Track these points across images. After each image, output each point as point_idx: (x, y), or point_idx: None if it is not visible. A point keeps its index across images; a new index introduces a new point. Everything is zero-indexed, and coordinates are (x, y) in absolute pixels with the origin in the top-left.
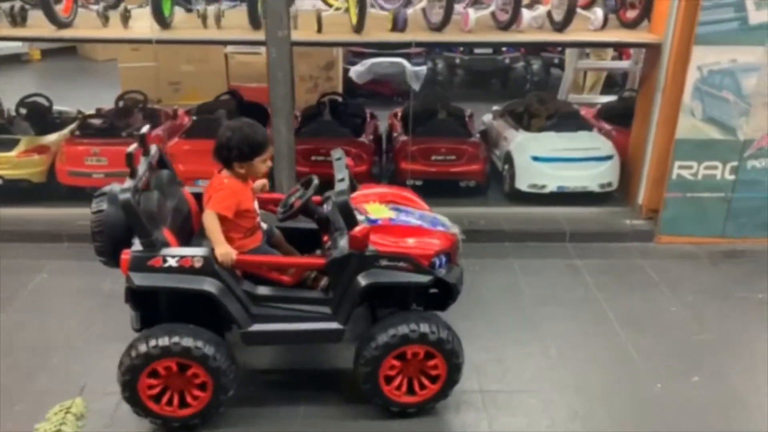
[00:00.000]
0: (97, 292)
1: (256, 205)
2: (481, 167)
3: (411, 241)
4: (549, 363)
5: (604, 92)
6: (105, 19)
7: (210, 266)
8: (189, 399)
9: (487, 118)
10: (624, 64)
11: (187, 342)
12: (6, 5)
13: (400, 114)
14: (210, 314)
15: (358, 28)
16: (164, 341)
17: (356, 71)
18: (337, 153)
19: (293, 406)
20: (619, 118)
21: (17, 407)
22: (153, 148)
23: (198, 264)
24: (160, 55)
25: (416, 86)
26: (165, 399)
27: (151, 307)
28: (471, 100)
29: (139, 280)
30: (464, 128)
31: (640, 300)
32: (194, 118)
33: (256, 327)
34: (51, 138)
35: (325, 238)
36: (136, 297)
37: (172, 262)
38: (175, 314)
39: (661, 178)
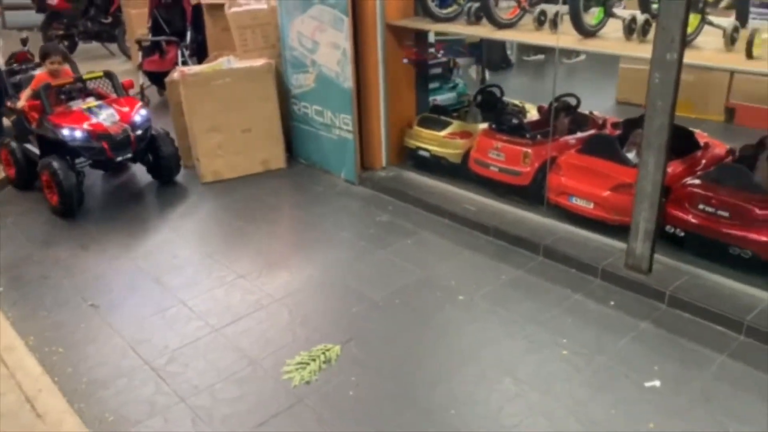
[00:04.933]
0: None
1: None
2: None
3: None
4: None
5: None
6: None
7: (18, 109)
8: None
9: None
10: None
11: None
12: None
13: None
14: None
15: None
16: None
17: None
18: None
19: None
20: None
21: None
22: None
23: (14, 107)
24: None
25: None
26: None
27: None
28: None
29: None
30: None
31: None
32: (592, 134)
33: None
34: (476, 126)
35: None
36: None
37: (10, 105)
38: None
39: None
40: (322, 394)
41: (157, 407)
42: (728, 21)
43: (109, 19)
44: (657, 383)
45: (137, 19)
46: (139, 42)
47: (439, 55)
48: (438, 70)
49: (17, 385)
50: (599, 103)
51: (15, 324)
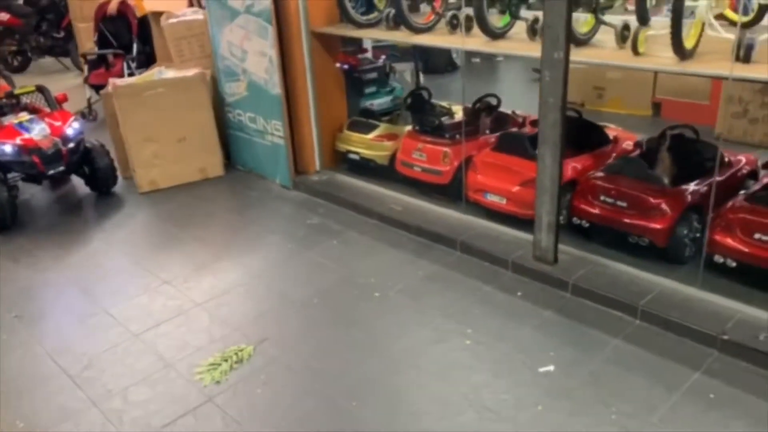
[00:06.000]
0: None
1: None
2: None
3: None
4: None
5: None
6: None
7: None
8: None
9: None
10: None
11: None
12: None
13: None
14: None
15: (678, 51)
16: None
17: None
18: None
19: None
20: None
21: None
22: None
23: None
24: None
25: None
26: None
27: None
28: None
29: None
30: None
31: None
32: (504, 132)
33: None
34: (402, 128)
35: None
36: None
37: None
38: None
39: None
40: (232, 392)
41: (69, 412)
42: (619, 19)
43: (62, 34)
44: (551, 368)
45: (86, 32)
46: (84, 56)
47: (379, 61)
48: (374, 75)
49: None
50: (534, 102)
51: None
